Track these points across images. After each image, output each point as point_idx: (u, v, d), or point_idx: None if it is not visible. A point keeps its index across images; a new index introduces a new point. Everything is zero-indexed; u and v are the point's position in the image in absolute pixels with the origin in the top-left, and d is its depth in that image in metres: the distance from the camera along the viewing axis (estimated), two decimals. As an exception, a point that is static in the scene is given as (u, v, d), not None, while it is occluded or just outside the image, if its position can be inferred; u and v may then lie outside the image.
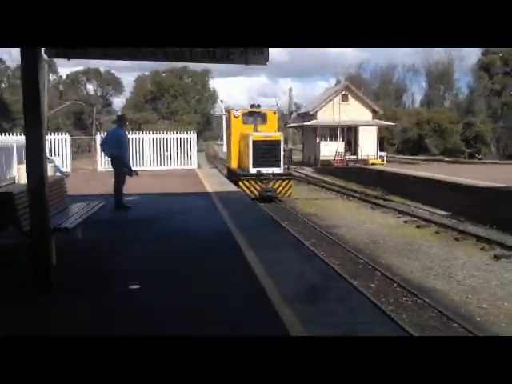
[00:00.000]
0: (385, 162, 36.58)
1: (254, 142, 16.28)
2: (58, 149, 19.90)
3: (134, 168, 10.94)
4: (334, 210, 16.29)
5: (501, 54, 56.41)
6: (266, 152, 16.33)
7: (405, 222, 13.75)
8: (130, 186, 10.62)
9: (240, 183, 16.06)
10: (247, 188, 16.03)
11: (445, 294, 7.68)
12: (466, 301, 7.35)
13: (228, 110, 19.64)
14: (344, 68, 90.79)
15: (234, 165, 18.85)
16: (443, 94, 71.49)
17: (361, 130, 37.35)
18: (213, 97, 75.79)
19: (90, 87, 73.24)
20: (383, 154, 38.27)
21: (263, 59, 8.12)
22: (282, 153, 16.65)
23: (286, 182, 16.53)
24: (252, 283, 4.98)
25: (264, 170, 16.17)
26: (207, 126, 77.03)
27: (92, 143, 22.88)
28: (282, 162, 16.61)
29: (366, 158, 36.09)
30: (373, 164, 33.27)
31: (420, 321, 6.37)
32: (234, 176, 17.77)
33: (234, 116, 18.80)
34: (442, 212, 14.97)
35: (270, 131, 17.72)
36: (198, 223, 8.42)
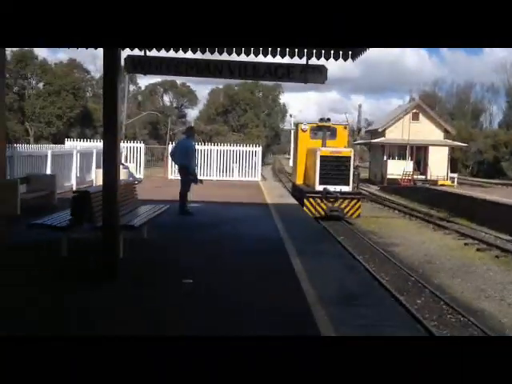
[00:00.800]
0: (455, 183, 35.55)
1: (321, 157, 15.43)
2: (134, 156, 21.27)
3: (200, 177, 11.69)
4: (394, 228, 16.25)
5: None
6: (333, 169, 15.45)
7: (465, 244, 13.53)
8: (195, 193, 11.35)
9: (305, 201, 15.30)
10: (312, 206, 15.26)
11: (493, 315, 7.66)
12: (515, 323, 7.31)
13: (296, 124, 18.52)
14: (419, 85, 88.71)
15: (299, 181, 18.22)
16: (524, 116, 67.90)
17: (431, 149, 36.55)
18: (283, 111, 76.79)
19: (167, 98, 76.64)
20: (454, 175, 37.19)
21: (322, 78, 8.64)
22: (351, 170, 15.70)
23: (354, 201, 15.52)
24: (296, 289, 5.37)
25: (331, 188, 15.28)
26: (276, 140, 77.97)
27: (164, 152, 24.15)
28: (351, 180, 15.65)
29: (435, 178, 35.24)
30: (442, 185, 32.43)
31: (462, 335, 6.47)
32: (298, 192, 17.17)
33: (302, 130, 18.05)
34: (508, 236, 14.53)
35: (339, 147, 16.93)
36: (252, 231, 8.91)
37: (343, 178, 15.48)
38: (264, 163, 23.45)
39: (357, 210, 15.56)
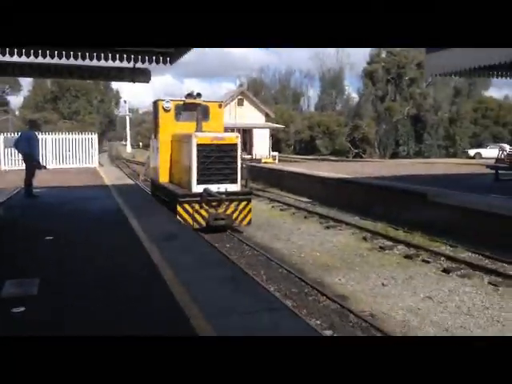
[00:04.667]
0: (277, 161, 40.52)
1: (198, 146, 11.45)
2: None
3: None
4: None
5: (383, 64, 63.30)
6: (216, 161, 11.66)
7: (272, 206, 17.04)
8: (37, 180, 12.70)
9: (178, 207, 11.39)
10: (188, 215, 11.46)
11: (279, 249, 10.82)
12: (291, 253, 10.53)
13: (155, 101, 14.06)
14: (246, 70, 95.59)
15: (163, 178, 13.66)
16: (335, 99, 77.59)
17: (254, 132, 41.01)
18: (116, 97, 76.29)
19: (-16, 86, 70.41)
20: (276, 153, 42.28)
21: (146, 78, 10.79)
22: (239, 162, 12.05)
23: (244, 203, 12.00)
24: (133, 236, 7.63)
25: (214, 188, 11.56)
26: (111, 127, 77.18)
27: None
28: (239, 176, 12.03)
29: (259, 157, 39.74)
30: (265, 163, 36.91)
31: (251, 262, 9.42)
32: (165, 195, 13.06)
33: (165, 109, 13.35)
34: (305, 199, 18.48)
35: (215, 131, 12.94)
36: (96, 206, 10.84)
37: (229, 174, 11.85)
38: (100, 150, 24.60)
39: (247, 214, 12.16)
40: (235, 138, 12.07)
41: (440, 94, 58.78)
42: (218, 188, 11.65)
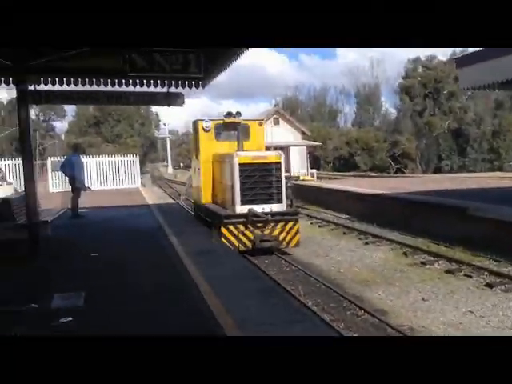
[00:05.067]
0: (315, 178, 40.48)
1: (240, 165, 11.20)
2: (14, 173, 22.05)
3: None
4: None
5: (419, 78, 62.57)
6: (259, 181, 11.35)
7: (311, 223, 17.05)
8: (83, 201, 13.26)
9: (222, 229, 11.00)
10: (233, 236, 11.05)
11: (318, 265, 10.83)
12: (330, 268, 10.52)
13: (195, 121, 13.90)
14: (282, 89, 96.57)
15: (206, 199, 13.36)
16: (372, 115, 76.93)
17: (291, 149, 41.19)
18: (156, 120, 78.43)
19: (32, 112, 73.90)
20: (314, 170, 42.30)
21: (181, 102, 11.11)
22: (283, 181, 11.61)
23: (291, 224, 11.51)
24: (173, 250, 7.87)
25: (258, 208, 11.20)
26: (152, 149, 79.23)
27: (43, 167, 24.93)
28: (284, 195, 11.56)
29: (297, 174, 39.83)
30: (303, 180, 36.95)
31: (289, 277, 9.47)
32: (208, 216, 12.80)
33: (204, 129, 13.26)
34: (344, 215, 18.39)
35: (256, 149, 12.75)
36: (138, 223, 11.23)
37: (274, 194, 11.45)
38: (142, 172, 25.37)
39: (295, 235, 11.59)
40: (278, 156, 11.59)
41: (480, 107, 57.47)
42: (263, 208, 11.23)
